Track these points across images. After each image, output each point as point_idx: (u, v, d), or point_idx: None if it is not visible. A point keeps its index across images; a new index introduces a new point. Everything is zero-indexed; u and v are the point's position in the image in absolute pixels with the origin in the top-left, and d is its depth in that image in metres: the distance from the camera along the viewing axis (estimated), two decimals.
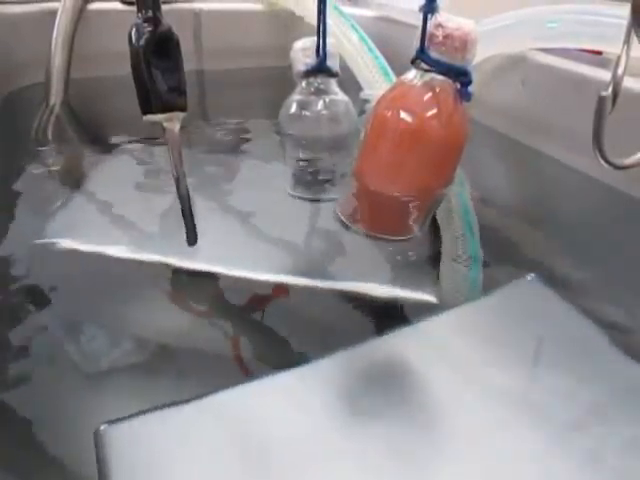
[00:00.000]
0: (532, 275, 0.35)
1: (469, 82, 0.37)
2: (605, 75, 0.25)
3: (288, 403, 0.26)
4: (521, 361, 0.29)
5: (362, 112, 0.61)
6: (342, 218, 0.42)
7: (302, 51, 0.49)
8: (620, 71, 0.26)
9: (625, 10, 0.26)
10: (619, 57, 0.26)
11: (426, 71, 0.38)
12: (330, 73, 0.50)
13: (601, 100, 0.23)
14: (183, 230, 0.35)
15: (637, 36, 0.22)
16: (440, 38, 0.36)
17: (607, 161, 0.23)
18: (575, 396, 0.27)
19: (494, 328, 0.31)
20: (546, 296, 0.34)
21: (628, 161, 0.24)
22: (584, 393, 0.27)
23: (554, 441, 0.24)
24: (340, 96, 0.52)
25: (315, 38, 0.49)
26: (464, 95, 0.37)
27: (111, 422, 0.24)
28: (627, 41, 0.25)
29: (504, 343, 0.30)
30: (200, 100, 0.75)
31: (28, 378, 0.29)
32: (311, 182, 0.50)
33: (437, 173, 0.40)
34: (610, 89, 0.24)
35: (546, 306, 0.33)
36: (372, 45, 0.65)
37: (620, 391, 0.27)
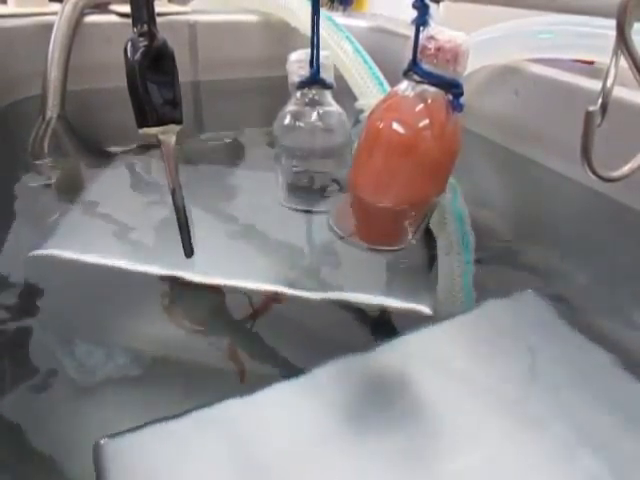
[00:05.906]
0: (529, 290, 0.35)
1: (460, 94, 0.38)
2: (596, 85, 0.26)
3: (284, 415, 0.26)
4: (516, 375, 0.29)
5: (357, 122, 0.61)
6: (335, 229, 0.42)
7: (297, 63, 0.49)
8: (609, 84, 0.26)
9: (614, 21, 0.26)
10: (608, 70, 0.26)
11: (418, 82, 0.38)
12: (324, 85, 0.50)
13: (588, 115, 0.23)
14: (179, 242, 0.35)
15: (622, 52, 0.22)
16: (432, 50, 0.36)
17: (595, 174, 0.24)
18: (573, 411, 0.27)
19: (489, 341, 0.32)
20: (543, 310, 0.34)
21: (616, 174, 0.24)
22: (582, 408, 0.27)
23: (553, 455, 0.24)
24: (334, 107, 0.52)
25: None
26: (456, 107, 0.38)
27: (110, 436, 0.24)
28: (615, 54, 0.25)
29: (499, 356, 0.30)
30: (195, 111, 0.76)
31: (23, 391, 0.29)
32: (305, 193, 0.51)
33: (430, 183, 0.40)
34: (599, 103, 0.25)
35: (542, 320, 0.33)
36: (366, 56, 0.65)
37: (619, 408, 0.27)
